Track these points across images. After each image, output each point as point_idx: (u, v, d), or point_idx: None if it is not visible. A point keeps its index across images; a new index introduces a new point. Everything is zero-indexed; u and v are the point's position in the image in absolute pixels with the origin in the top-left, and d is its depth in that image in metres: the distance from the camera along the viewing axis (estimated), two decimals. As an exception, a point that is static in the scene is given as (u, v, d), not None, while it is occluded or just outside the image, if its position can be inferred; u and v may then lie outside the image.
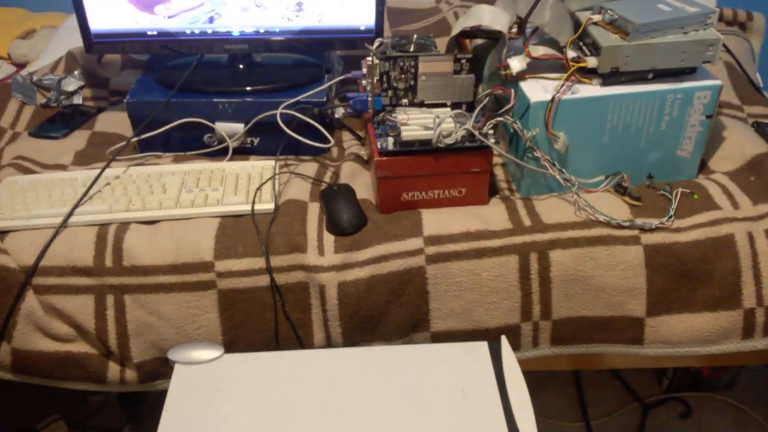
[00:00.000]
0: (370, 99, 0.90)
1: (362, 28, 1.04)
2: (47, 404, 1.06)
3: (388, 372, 0.78)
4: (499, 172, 1.00)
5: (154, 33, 1.02)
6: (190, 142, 1.04)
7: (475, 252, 0.84)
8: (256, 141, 1.04)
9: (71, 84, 1.19)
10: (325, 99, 1.01)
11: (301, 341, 0.87)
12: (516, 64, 0.87)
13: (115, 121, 1.13)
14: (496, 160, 1.01)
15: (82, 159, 1.04)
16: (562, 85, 0.85)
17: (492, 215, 0.88)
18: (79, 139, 1.09)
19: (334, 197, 0.89)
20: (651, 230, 0.85)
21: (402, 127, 0.87)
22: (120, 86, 1.23)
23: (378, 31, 1.04)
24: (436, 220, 0.87)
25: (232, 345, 0.87)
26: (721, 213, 0.87)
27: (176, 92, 1.01)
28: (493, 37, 0.93)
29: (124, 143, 0.99)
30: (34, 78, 1.20)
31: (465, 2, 1.48)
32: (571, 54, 0.87)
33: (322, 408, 0.74)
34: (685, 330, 0.87)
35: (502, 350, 0.80)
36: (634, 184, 0.92)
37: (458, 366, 0.78)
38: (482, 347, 0.81)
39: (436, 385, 0.76)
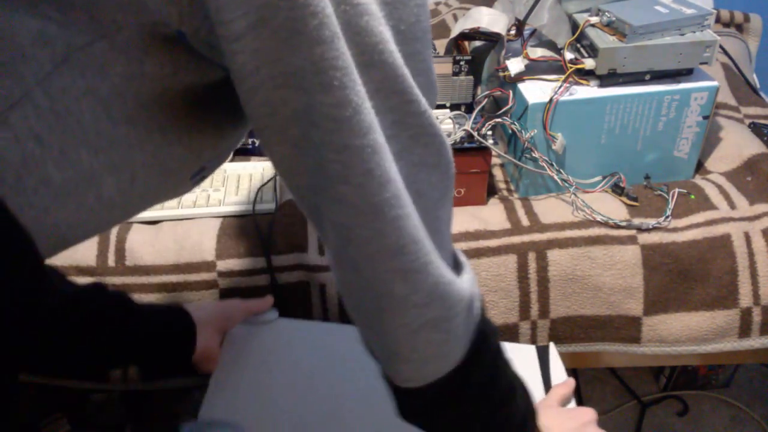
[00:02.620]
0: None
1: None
2: (50, 403, 1.07)
3: None
4: (497, 172, 1.00)
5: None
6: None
7: (474, 251, 0.85)
8: (258, 142, 1.04)
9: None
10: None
11: (301, 340, 0.88)
12: (514, 65, 0.88)
13: (117, 122, 1.13)
14: (495, 160, 1.01)
15: (84, 160, 1.04)
16: (560, 87, 0.86)
17: (490, 215, 0.89)
18: (81, 139, 1.09)
19: (334, 197, 0.89)
20: (648, 230, 0.86)
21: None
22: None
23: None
24: (435, 220, 0.87)
25: (233, 344, 0.87)
26: (718, 213, 0.88)
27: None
28: (492, 39, 0.93)
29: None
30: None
31: (464, 4, 1.48)
32: (568, 56, 0.87)
33: (354, 381, 0.73)
34: (682, 329, 0.87)
35: (551, 357, 0.79)
36: (631, 185, 0.92)
37: None
38: (531, 350, 0.81)
39: None
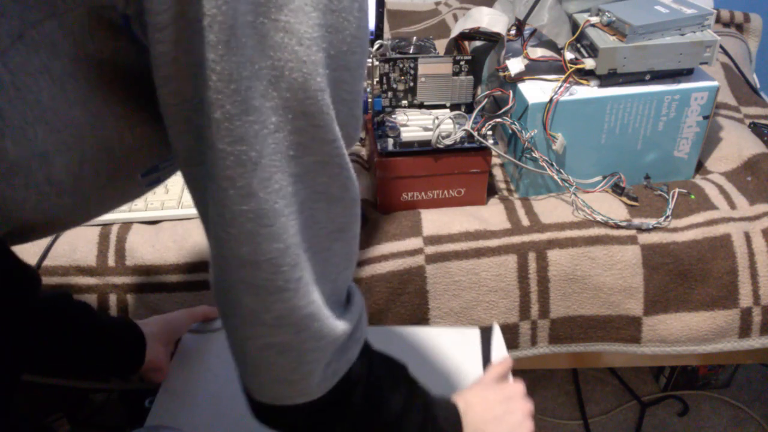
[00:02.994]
0: (370, 100, 0.90)
1: (362, 29, 1.03)
2: (50, 402, 1.06)
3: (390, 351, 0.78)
4: (497, 172, 1.00)
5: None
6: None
7: (474, 252, 0.85)
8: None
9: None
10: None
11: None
12: (514, 65, 0.88)
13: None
14: (495, 160, 1.01)
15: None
16: (560, 87, 0.86)
17: (491, 215, 0.89)
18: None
19: (334, 197, 0.89)
20: (648, 230, 0.86)
21: (401, 128, 0.87)
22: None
23: (378, 33, 1.04)
24: (435, 220, 0.87)
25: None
26: (718, 213, 0.88)
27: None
28: (492, 39, 0.93)
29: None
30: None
31: (464, 4, 1.48)
32: (569, 56, 0.87)
33: None
34: (682, 329, 0.87)
35: (493, 338, 0.80)
36: (631, 185, 0.92)
37: (449, 349, 0.78)
38: (474, 332, 0.81)
39: (427, 366, 0.76)
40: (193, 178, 0.42)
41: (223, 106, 0.36)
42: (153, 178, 0.49)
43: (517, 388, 0.66)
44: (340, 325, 0.45)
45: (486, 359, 0.77)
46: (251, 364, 0.45)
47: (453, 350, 0.78)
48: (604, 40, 0.85)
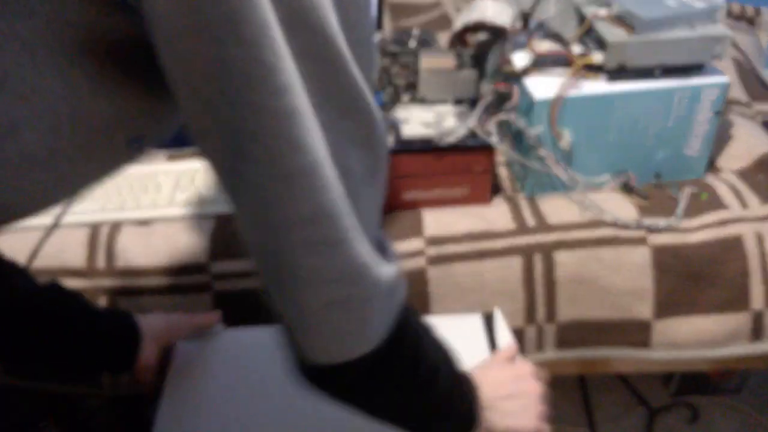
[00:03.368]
0: (369, 96, 0.89)
1: (362, 23, 1.02)
2: (39, 409, 1.06)
3: None
4: (502, 170, 0.98)
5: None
6: (184, 140, 1.02)
7: (478, 253, 0.84)
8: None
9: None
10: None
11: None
12: (520, 59, 0.87)
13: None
14: (500, 158, 1.00)
15: (75, 158, 1.03)
16: (568, 82, 0.84)
17: (495, 215, 0.88)
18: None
19: (332, 197, 0.88)
20: (658, 231, 0.85)
21: (402, 125, 0.86)
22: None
23: (378, 25, 1.03)
24: (437, 220, 0.87)
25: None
26: (730, 213, 0.87)
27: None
28: (497, 33, 0.92)
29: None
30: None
31: (467, -3, 1.48)
32: (576, 49, 0.86)
33: None
34: (692, 332, 0.86)
35: (496, 324, 0.79)
36: (641, 183, 0.91)
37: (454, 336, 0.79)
38: (476, 319, 0.81)
39: None
40: (216, 152, 0.41)
41: (264, 59, 0.35)
42: (138, 146, 0.48)
43: (526, 368, 0.66)
44: (386, 270, 0.46)
45: (492, 345, 0.77)
46: (312, 326, 0.45)
47: (457, 337, 0.78)
48: (612, 33, 0.83)
